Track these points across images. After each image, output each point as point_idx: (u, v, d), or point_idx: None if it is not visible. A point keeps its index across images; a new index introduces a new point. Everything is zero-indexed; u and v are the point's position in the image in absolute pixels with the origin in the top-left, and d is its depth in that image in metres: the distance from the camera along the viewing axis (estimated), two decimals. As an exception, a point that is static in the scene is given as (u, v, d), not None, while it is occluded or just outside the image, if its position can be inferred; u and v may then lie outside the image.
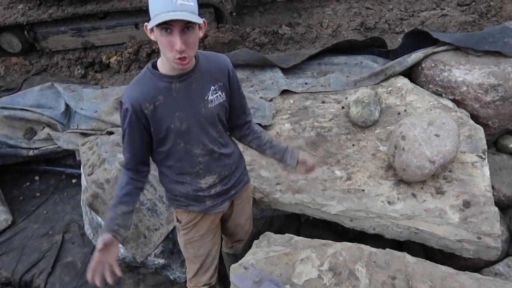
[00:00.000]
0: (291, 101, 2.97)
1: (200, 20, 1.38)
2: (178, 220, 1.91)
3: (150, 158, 1.75)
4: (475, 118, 2.63)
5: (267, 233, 2.08)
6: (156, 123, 1.58)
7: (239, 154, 1.91)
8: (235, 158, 1.85)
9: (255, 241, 2.04)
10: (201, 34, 1.49)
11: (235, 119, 1.82)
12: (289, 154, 1.86)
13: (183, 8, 1.35)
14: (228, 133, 1.87)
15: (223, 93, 1.67)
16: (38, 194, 3.60)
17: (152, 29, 1.42)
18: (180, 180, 1.75)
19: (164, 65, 1.55)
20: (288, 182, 2.33)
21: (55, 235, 3.19)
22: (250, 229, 2.20)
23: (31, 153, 3.39)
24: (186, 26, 1.37)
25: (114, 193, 2.45)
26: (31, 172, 3.72)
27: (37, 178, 3.71)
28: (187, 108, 1.58)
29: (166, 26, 1.36)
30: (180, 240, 1.97)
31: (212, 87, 1.63)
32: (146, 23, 1.44)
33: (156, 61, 1.59)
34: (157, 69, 1.56)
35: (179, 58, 1.41)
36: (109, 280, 1.55)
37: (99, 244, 1.55)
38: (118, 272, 1.57)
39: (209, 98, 1.62)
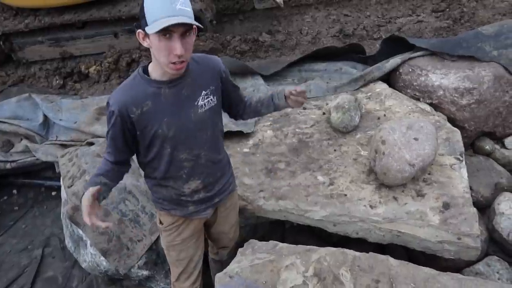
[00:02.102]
0: (273, 108, 2.98)
1: (200, 24, 1.43)
2: (160, 222, 1.92)
3: (132, 156, 1.74)
4: (452, 121, 2.69)
5: (251, 240, 2.08)
6: (142, 128, 1.58)
7: (227, 162, 1.92)
8: (222, 165, 1.85)
9: (240, 249, 2.03)
10: (193, 38, 1.51)
11: (236, 108, 1.87)
12: (276, 97, 1.80)
13: (182, 13, 1.37)
14: (233, 117, 1.93)
15: (215, 97, 1.68)
16: (16, 208, 3.51)
17: (146, 35, 1.42)
18: (164, 183, 1.75)
19: (155, 70, 1.55)
20: (271, 189, 2.34)
21: (34, 249, 3.11)
22: (235, 236, 2.19)
23: (8, 166, 3.31)
24: (186, 31, 1.40)
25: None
26: (9, 185, 3.64)
27: (15, 191, 3.62)
28: (175, 114, 1.58)
29: (166, 31, 1.37)
30: (163, 242, 1.98)
31: (204, 92, 1.63)
32: (139, 30, 1.43)
33: (147, 66, 1.59)
34: (148, 74, 1.56)
35: (174, 63, 1.43)
36: (103, 225, 1.49)
37: (87, 197, 1.46)
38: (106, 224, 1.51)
39: (199, 104, 1.62)
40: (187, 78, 1.58)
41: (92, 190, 1.47)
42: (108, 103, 1.56)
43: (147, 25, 1.38)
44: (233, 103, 1.84)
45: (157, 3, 1.36)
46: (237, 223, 2.17)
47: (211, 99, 1.66)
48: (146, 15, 1.38)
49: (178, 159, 1.67)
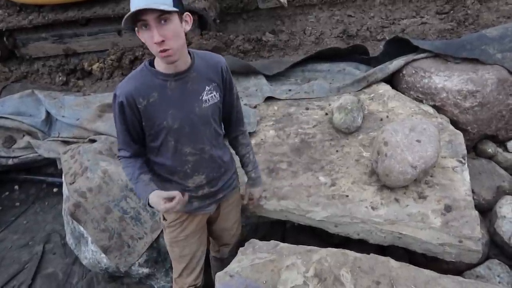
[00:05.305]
0: (275, 108, 2.98)
1: (169, 8, 1.38)
2: (164, 218, 1.93)
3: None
4: (454, 123, 2.68)
5: (252, 240, 2.08)
6: (148, 119, 1.60)
7: (230, 158, 1.94)
8: (225, 161, 1.87)
9: (241, 249, 2.03)
10: (187, 27, 1.52)
11: (225, 121, 1.87)
12: (251, 183, 2.07)
13: (155, 1, 1.37)
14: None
15: (218, 94, 1.70)
16: (17, 203, 3.52)
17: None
18: (169, 178, 1.77)
19: (159, 63, 1.57)
20: (273, 189, 2.33)
21: (35, 245, 3.12)
22: (237, 233, 2.20)
23: (10, 161, 3.31)
24: (161, 18, 1.40)
25: (97, 202, 2.42)
26: (11, 181, 3.64)
27: (16, 187, 3.63)
28: (181, 107, 1.61)
29: (142, 22, 1.40)
30: (166, 239, 1.99)
31: (207, 87, 1.66)
32: (136, 28, 1.46)
33: (153, 59, 1.61)
34: (154, 67, 1.59)
35: (161, 51, 1.44)
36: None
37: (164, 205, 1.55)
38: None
39: (203, 98, 1.65)
40: (193, 72, 1.61)
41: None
42: (115, 94, 1.57)
43: None
44: (224, 112, 1.83)
45: None
46: (240, 220, 2.19)
47: (214, 95, 1.69)
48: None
49: (183, 152, 1.69)
